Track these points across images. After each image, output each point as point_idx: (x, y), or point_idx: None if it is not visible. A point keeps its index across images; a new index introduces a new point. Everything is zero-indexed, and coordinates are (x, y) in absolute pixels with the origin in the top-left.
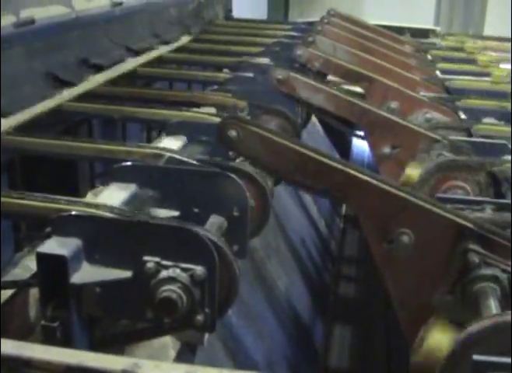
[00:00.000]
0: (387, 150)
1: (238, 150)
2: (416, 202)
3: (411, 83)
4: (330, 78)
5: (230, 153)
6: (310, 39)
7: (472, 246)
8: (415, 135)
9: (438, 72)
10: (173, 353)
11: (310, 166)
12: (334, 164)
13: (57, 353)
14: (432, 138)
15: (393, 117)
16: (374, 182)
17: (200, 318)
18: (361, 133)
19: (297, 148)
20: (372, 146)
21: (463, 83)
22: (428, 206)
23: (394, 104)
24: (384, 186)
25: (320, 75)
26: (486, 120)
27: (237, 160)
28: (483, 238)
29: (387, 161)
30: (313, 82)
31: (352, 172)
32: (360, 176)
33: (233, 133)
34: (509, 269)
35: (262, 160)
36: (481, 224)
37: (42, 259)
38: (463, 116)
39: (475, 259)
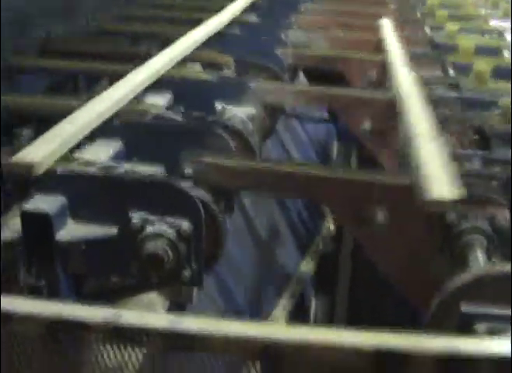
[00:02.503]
0: (367, 125)
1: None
2: (380, 180)
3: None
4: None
5: (218, 108)
6: (283, 36)
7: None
8: (389, 103)
9: (427, 28)
10: (161, 311)
11: (267, 179)
12: (289, 169)
13: (37, 305)
14: None
15: (363, 93)
16: (334, 175)
17: (187, 273)
18: None
19: (250, 164)
20: (352, 126)
21: (453, 39)
22: (392, 180)
23: (373, 75)
24: (344, 176)
25: (292, 70)
26: None
27: (225, 116)
28: None
29: (370, 136)
30: (279, 85)
31: (312, 172)
32: (319, 173)
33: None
34: (488, 216)
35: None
36: None
37: (26, 217)
38: (451, 71)
39: (453, 215)
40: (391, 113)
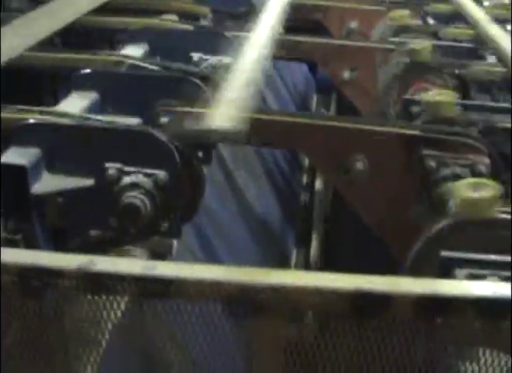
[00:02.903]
0: (346, 74)
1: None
2: (360, 127)
3: None
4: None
5: (194, 58)
6: None
7: (426, 152)
8: (369, 52)
9: None
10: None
11: (248, 128)
12: (269, 117)
13: (11, 254)
14: (386, 49)
15: (342, 42)
16: (313, 121)
17: (165, 224)
18: None
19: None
20: (331, 75)
21: None
22: (373, 127)
23: (353, 24)
24: (324, 122)
25: None
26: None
27: (201, 66)
28: (434, 140)
29: (349, 85)
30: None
31: (290, 118)
32: (297, 120)
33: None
34: (468, 162)
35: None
36: (429, 127)
37: (1, 170)
38: (431, 20)
39: (431, 163)
40: (369, 61)
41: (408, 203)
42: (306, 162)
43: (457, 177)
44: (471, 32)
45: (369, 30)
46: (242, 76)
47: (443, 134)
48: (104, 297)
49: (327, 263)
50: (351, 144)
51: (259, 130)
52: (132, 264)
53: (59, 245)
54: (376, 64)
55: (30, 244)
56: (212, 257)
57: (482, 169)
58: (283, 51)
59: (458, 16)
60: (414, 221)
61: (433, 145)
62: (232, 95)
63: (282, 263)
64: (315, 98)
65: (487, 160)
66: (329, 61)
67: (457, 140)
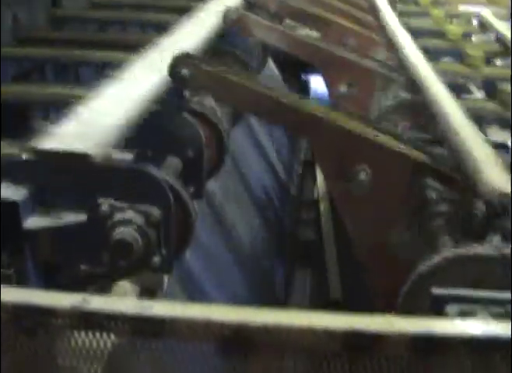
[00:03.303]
0: (343, 88)
1: (190, 88)
2: (373, 139)
3: (367, 24)
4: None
5: (186, 93)
6: None
7: (430, 182)
8: (371, 74)
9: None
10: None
11: (264, 104)
12: (290, 102)
13: (5, 292)
14: (388, 77)
15: (348, 55)
16: (330, 119)
17: (156, 259)
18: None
19: (251, 86)
20: (328, 85)
21: (421, 24)
22: (385, 142)
23: (351, 41)
24: (340, 124)
25: (276, 18)
26: (444, 60)
27: (193, 101)
28: (440, 173)
29: (343, 100)
30: (266, 22)
31: (307, 110)
32: (315, 113)
33: (184, 71)
34: (465, 203)
35: (215, 98)
36: (437, 159)
37: None
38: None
39: (433, 195)
40: (370, 83)
41: (396, 227)
42: (295, 193)
43: (453, 215)
44: (461, 67)
45: (364, 54)
46: None
47: (451, 170)
48: (98, 335)
49: (319, 296)
50: (360, 152)
51: (273, 113)
52: (126, 303)
53: (51, 279)
54: (375, 87)
55: (22, 279)
56: (200, 291)
57: (478, 213)
58: (287, 46)
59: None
60: (396, 246)
61: (438, 178)
62: None
63: (271, 296)
64: None
65: (483, 206)
66: (330, 68)
67: (461, 179)
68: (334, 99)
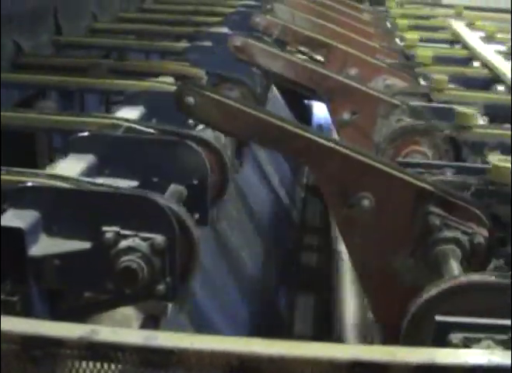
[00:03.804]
0: (346, 116)
1: (196, 116)
2: (377, 166)
3: (370, 50)
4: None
5: (190, 121)
6: (268, 6)
7: (433, 209)
8: (374, 101)
9: (397, 40)
10: (136, 326)
11: (269, 132)
12: (294, 129)
13: (13, 322)
14: (391, 104)
15: (352, 83)
16: (334, 146)
17: (161, 287)
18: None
19: (255, 113)
20: (331, 112)
21: (423, 50)
22: (388, 169)
23: (353, 71)
24: (344, 151)
25: (280, 44)
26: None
27: (197, 128)
28: (444, 200)
29: (347, 127)
30: (271, 49)
31: (312, 137)
32: (320, 140)
33: (190, 99)
34: (469, 231)
35: (220, 126)
36: (441, 187)
37: None
38: (422, 82)
39: (436, 221)
40: (372, 109)
41: (399, 254)
42: (299, 219)
43: (457, 242)
44: (463, 93)
45: (366, 81)
46: None
47: (456, 198)
48: (106, 366)
49: (324, 322)
50: (364, 180)
51: (278, 141)
52: (133, 334)
53: (55, 306)
54: (378, 114)
55: (27, 306)
56: (204, 319)
57: (481, 240)
58: (292, 74)
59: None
60: (399, 273)
61: (442, 205)
62: None
63: (275, 323)
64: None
65: (486, 233)
66: (334, 96)
67: (466, 207)
68: (338, 126)
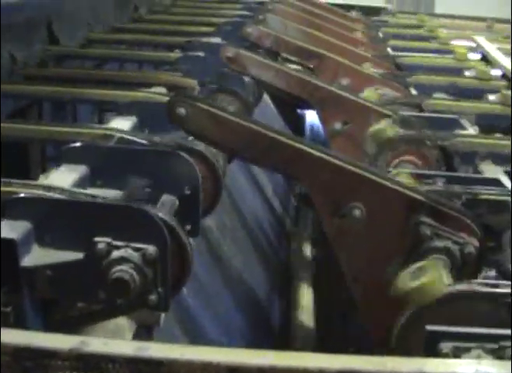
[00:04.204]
0: (338, 126)
1: (187, 127)
2: (368, 176)
3: (361, 60)
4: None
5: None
6: (261, 17)
7: (424, 219)
8: (365, 111)
9: (389, 49)
10: (129, 336)
11: (261, 143)
12: (285, 140)
13: (5, 334)
14: (382, 114)
15: (344, 93)
16: (325, 157)
17: (153, 297)
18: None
19: (247, 124)
20: (323, 122)
21: (414, 60)
22: (379, 180)
23: (345, 81)
24: (335, 161)
25: (272, 54)
26: (437, 95)
27: (189, 138)
28: (435, 210)
29: (338, 137)
30: (263, 59)
31: (303, 147)
32: (311, 151)
33: (181, 110)
34: (460, 240)
35: (212, 137)
36: (432, 196)
37: None
38: (414, 91)
39: (427, 231)
40: (365, 120)
41: (391, 264)
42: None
43: (447, 252)
44: (453, 103)
45: (357, 91)
46: None
47: (446, 208)
48: None
49: (317, 332)
50: (355, 190)
51: (269, 151)
52: (124, 345)
53: (48, 316)
54: (370, 124)
55: (20, 316)
56: (197, 328)
57: (472, 250)
58: (284, 84)
59: (440, 87)
60: (389, 281)
61: (433, 215)
62: None
63: (268, 332)
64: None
65: (477, 243)
66: (326, 106)
67: (457, 217)
68: (329, 136)
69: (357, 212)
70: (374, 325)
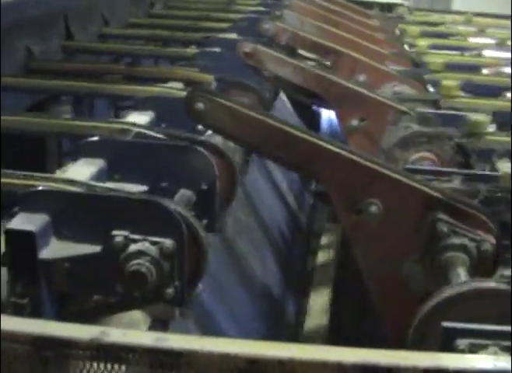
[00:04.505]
0: (355, 122)
1: (205, 122)
2: (385, 172)
3: (379, 57)
4: (300, 53)
5: (199, 126)
6: (278, 13)
7: (441, 216)
8: (383, 107)
9: (406, 46)
10: (144, 329)
11: (278, 138)
12: (302, 135)
13: (24, 323)
14: (400, 110)
15: (361, 89)
16: (343, 152)
17: (170, 291)
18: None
19: (264, 119)
20: (340, 119)
21: (433, 57)
22: (396, 176)
23: (362, 77)
24: (352, 157)
25: (289, 49)
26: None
27: (206, 133)
28: (452, 207)
29: (355, 133)
30: (280, 55)
31: (321, 143)
32: (329, 146)
33: (200, 105)
34: (477, 238)
35: (229, 132)
36: (449, 193)
37: (10, 235)
38: (431, 89)
39: (444, 228)
40: (382, 117)
41: (407, 261)
42: (308, 226)
43: (464, 249)
44: (471, 100)
45: (374, 88)
46: None
47: (463, 205)
48: (116, 367)
49: (331, 330)
50: (372, 186)
51: (286, 146)
52: (144, 336)
53: (65, 309)
54: (387, 121)
55: (37, 308)
56: (213, 323)
57: (488, 247)
58: (300, 80)
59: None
60: (407, 278)
61: (450, 212)
62: None
63: (283, 328)
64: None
65: (494, 240)
66: (343, 102)
67: (474, 214)
68: (346, 133)
69: (374, 208)
70: (390, 321)
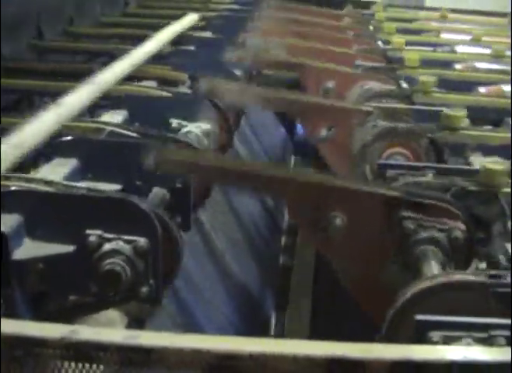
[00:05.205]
0: (323, 133)
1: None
2: (339, 184)
3: (347, 58)
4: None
5: (173, 125)
6: (240, 40)
7: (405, 213)
8: (346, 112)
9: (380, 43)
10: (121, 329)
11: (232, 177)
12: (260, 168)
13: None
14: (364, 111)
15: (321, 100)
16: (291, 176)
17: (145, 289)
18: None
19: (213, 164)
20: (308, 132)
21: (406, 53)
22: (351, 185)
23: (330, 84)
24: (302, 178)
25: (255, 73)
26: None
27: (182, 130)
28: (412, 203)
29: (325, 143)
30: (236, 84)
31: (270, 172)
32: (277, 174)
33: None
34: (445, 227)
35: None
36: (407, 190)
37: None
38: (404, 84)
39: (410, 225)
40: (347, 122)
41: (384, 264)
42: (285, 224)
43: (434, 241)
44: (444, 95)
45: (345, 91)
46: None
47: (423, 198)
48: (87, 365)
49: (311, 326)
50: (330, 200)
51: (247, 178)
52: (114, 334)
53: (39, 309)
54: (353, 125)
55: (10, 309)
56: (189, 321)
57: (458, 234)
58: (263, 102)
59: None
60: (386, 281)
61: (412, 208)
62: None
63: (261, 326)
64: (292, 160)
65: (463, 226)
66: (307, 117)
67: (436, 204)
68: (317, 144)
69: (338, 221)
70: (375, 323)
